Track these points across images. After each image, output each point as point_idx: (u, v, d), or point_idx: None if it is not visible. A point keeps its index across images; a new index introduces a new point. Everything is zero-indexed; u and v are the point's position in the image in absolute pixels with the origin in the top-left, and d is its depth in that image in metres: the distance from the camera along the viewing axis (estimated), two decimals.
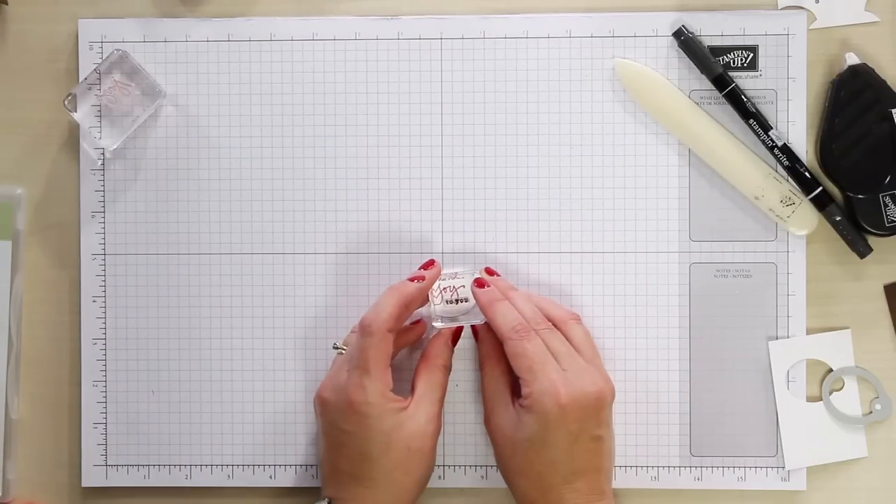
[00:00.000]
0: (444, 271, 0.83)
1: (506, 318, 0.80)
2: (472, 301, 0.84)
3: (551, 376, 0.77)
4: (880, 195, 0.83)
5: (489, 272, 0.84)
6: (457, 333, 0.84)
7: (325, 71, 0.86)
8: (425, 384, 0.81)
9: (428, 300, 0.82)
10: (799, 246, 0.85)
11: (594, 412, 0.78)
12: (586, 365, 0.79)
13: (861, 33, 0.85)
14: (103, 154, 0.86)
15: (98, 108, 0.86)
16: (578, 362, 0.79)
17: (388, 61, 0.86)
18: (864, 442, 0.85)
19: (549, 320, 0.81)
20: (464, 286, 0.84)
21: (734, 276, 0.85)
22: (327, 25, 0.86)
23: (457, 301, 0.85)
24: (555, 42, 0.85)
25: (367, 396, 0.78)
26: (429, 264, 0.84)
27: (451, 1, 0.86)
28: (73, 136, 0.87)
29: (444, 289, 0.82)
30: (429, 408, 0.80)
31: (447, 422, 0.86)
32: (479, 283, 0.82)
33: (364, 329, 0.79)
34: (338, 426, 0.79)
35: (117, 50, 0.85)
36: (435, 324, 0.83)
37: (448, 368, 0.83)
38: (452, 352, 0.83)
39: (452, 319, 0.83)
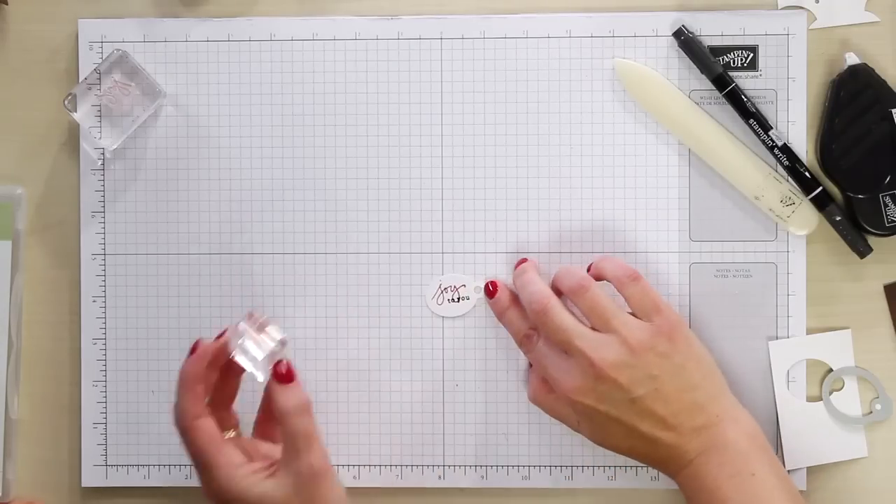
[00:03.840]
0: (244, 323, 0.78)
1: (511, 328, 0.83)
2: (473, 299, 0.84)
3: (562, 369, 0.79)
4: (880, 195, 0.83)
5: (493, 285, 0.84)
6: (285, 372, 0.76)
7: (325, 71, 0.86)
8: (285, 439, 0.76)
9: (228, 352, 0.77)
10: (799, 246, 0.85)
11: (636, 366, 0.77)
12: (623, 319, 0.79)
13: (861, 33, 0.85)
14: (103, 154, 0.86)
15: (98, 108, 0.86)
16: (614, 322, 0.78)
17: (388, 61, 0.86)
18: (864, 442, 0.85)
19: (607, 281, 0.81)
20: (464, 286, 0.85)
21: (734, 276, 0.85)
22: (327, 25, 0.86)
23: (458, 300, 0.85)
24: (555, 42, 0.85)
25: (229, 483, 0.75)
26: (221, 334, 0.79)
27: (451, 1, 0.86)
28: (73, 136, 0.87)
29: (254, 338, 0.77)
30: (300, 460, 0.75)
31: (447, 422, 0.86)
32: (489, 292, 0.83)
33: (180, 432, 0.77)
34: None
35: (117, 50, 0.85)
36: (259, 378, 0.77)
37: (301, 408, 0.75)
38: (295, 386, 0.76)
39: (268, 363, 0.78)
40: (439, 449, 0.86)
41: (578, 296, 0.80)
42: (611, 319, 0.79)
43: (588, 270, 0.82)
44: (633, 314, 0.80)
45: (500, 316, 0.84)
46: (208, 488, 0.77)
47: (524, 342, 0.82)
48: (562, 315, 0.79)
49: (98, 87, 0.85)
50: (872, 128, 0.83)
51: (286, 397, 0.75)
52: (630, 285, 0.80)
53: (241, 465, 0.76)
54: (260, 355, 0.77)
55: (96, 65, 0.85)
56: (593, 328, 0.79)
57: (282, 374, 0.76)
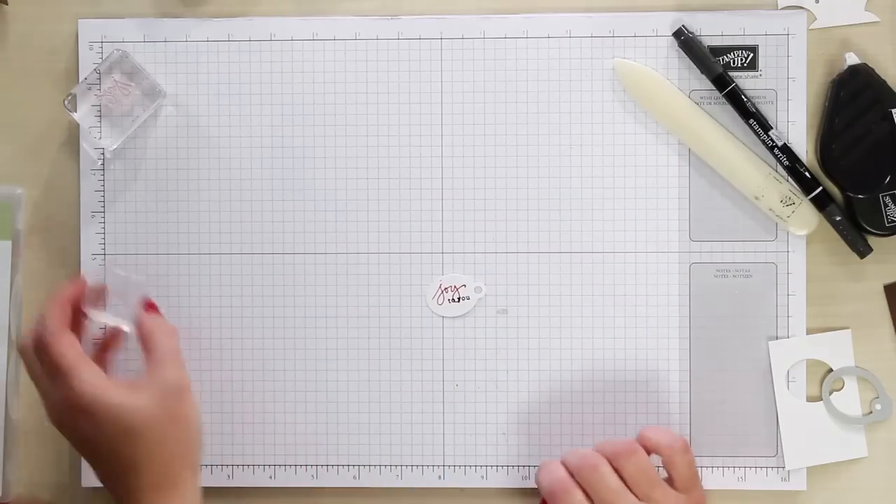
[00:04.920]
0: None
1: (552, 477, 0.80)
2: (473, 299, 0.84)
3: None
4: (880, 195, 0.83)
5: (150, 307, 0.82)
6: (149, 304, 0.82)
7: (325, 71, 0.86)
8: (149, 354, 0.79)
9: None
10: (799, 246, 0.85)
11: None
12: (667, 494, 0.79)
13: (861, 33, 0.85)
14: (103, 154, 0.86)
15: (98, 108, 0.86)
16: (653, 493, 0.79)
17: (388, 61, 0.86)
18: (864, 442, 0.85)
19: (651, 450, 0.80)
20: (465, 286, 0.85)
21: (734, 276, 0.85)
22: (327, 25, 0.86)
23: (458, 300, 0.85)
24: (555, 42, 0.85)
25: (93, 390, 0.75)
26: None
27: (451, 1, 0.86)
28: (73, 136, 0.87)
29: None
30: (164, 372, 0.77)
31: (447, 422, 0.86)
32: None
33: (40, 344, 0.77)
34: (81, 438, 0.77)
35: (117, 50, 0.85)
36: (126, 329, 0.81)
37: (166, 330, 0.80)
38: (159, 316, 0.81)
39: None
40: (439, 449, 0.86)
41: (626, 458, 0.79)
42: (655, 488, 0.79)
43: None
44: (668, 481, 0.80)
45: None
46: (64, 400, 0.76)
47: (563, 495, 0.79)
48: (612, 476, 0.79)
49: (98, 87, 0.85)
50: (872, 128, 0.83)
51: (154, 320, 0.81)
52: (680, 455, 0.80)
53: (104, 377, 0.77)
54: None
55: (96, 65, 0.85)
56: (633, 493, 0.79)
57: (150, 305, 0.82)
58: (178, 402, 0.77)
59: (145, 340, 0.80)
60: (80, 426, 0.76)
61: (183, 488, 0.77)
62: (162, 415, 0.76)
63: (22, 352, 0.79)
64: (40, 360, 0.77)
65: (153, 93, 0.85)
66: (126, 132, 0.85)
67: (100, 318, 0.81)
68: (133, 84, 0.85)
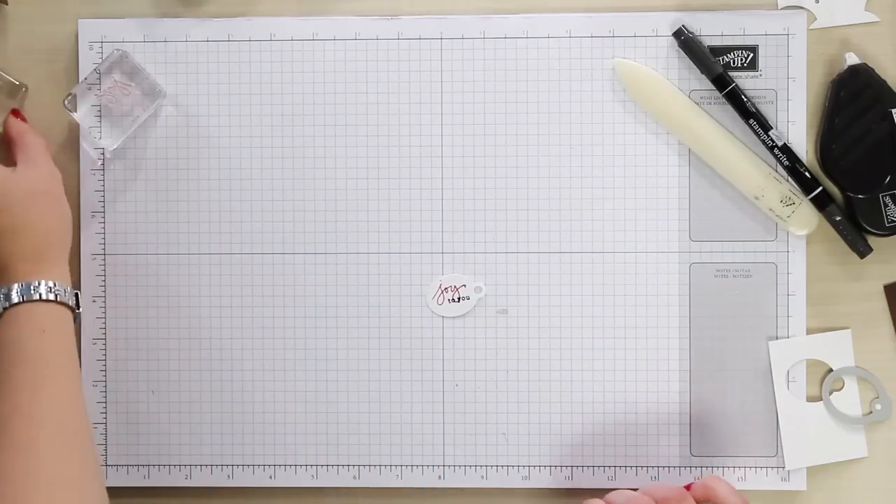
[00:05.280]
0: None
1: None
2: (473, 299, 0.84)
3: None
4: (880, 195, 0.83)
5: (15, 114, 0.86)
6: (16, 112, 0.85)
7: (325, 71, 0.86)
8: (23, 149, 0.83)
9: None
10: (799, 246, 0.85)
11: None
12: None
13: (861, 33, 0.85)
14: (103, 154, 0.86)
15: (98, 108, 0.86)
16: None
17: (388, 61, 0.86)
18: (864, 442, 0.85)
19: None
20: (465, 286, 0.85)
21: (734, 276, 0.85)
22: (327, 25, 0.86)
23: (458, 300, 0.85)
24: (555, 42, 0.85)
25: None
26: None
27: (451, 1, 0.86)
28: (73, 136, 0.87)
29: None
30: (37, 159, 0.83)
31: (447, 422, 0.86)
32: None
33: None
34: None
35: (117, 50, 0.85)
36: None
37: (33, 132, 0.85)
38: (26, 123, 0.85)
39: None
40: (439, 449, 0.86)
41: (679, 502, 0.78)
42: None
43: (689, 487, 0.80)
44: None
45: None
46: None
47: None
48: None
49: (98, 87, 0.85)
50: (872, 128, 0.83)
51: (21, 125, 0.85)
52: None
53: None
54: None
55: (96, 65, 0.85)
56: None
57: (15, 112, 0.85)
58: (49, 182, 0.82)
59: (16, 142, 0.84)
60: None
61: (52, 263, 0.80)
62: (36, 187, 0.81)
63: None
64: None
65: (153, 93, 0.85)
66: (126, 132, 0.85)
67: None
68: (133, 84, 0.85)
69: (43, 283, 0.79)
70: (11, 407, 0.75)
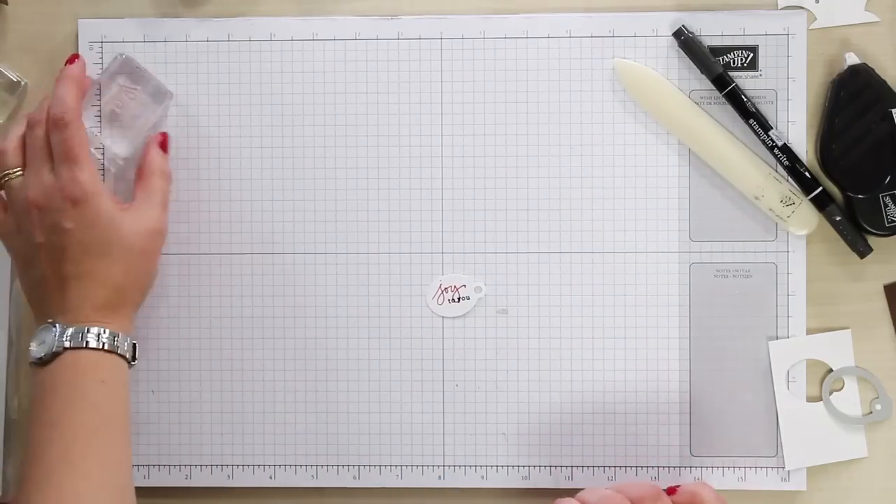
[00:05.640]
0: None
1: None
2: (473, 299, 0.84)
3: None
4: (880, 195, 0.83)
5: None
6: (164, 140, 0.84)
7: (325, 71, 0.86)
8: (144, 191, 0.82)
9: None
10: (799, 246, 0.85)
11: None
12: None
13: (861, 33, 0.85)
14: (103, 154, 0.86)
15: (98, 108, 0.85)
16: None
17: (388, 61, 0.86)
18: (864, 442, 0.85)
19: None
20: (465, 286, 0.85)
21: (734, 276, 0.85)
22: (327, 25, 0.86)
23: (458, 300, 0.85)
24: (555, 42, 0.85)
25: (84, 187, 0.77)
26: (73, 58, 0.83)
27: (451, 1, 0.86)
28: None
29: None
30: (151, 210, 0.81)
31: (447, 422, 0.86)
32: None
33: (58, 123, 0.78)
34: (59, 227, 0.77)
35: (121, 55, 0.84)
36: (122, 155, 0.84)
37: (166, 175, 0.83)
38: (167, 158, 0.84)
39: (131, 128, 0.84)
40: (439, 449, 0.86)
41: (653, 501, 0.77)
42: None
43: (670, 491, 0.79)
44: None
45: None
46: (58, 186, 0.77)
47: None
48: None
49: (98, 94, 0.84)
50: (872, 128, 0.83)
51: (161, 159, 0.83)
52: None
53: (100, 180, 0.80)
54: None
55: (98, 75, 0.85)
56: None
57: (162, 143, 0.84)
58: (153, 240, 0.81)
59: (145, 175, 0.82)
60: (62, 216, 0.77)
61: (122, 315, 0.79)
62: (136, 242, 0.79)
63: (30, 123, 0.80)
64: (51, 137, 0.79)
65: (159, 94, 0.84)
66: (139, 138, 0.84)
67: (100, 138, 0.83)
68: (139, 87, 0.84)
69: (108, 331, 0.77)
70: (60, 455, 0.73)
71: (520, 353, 0.85)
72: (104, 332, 0.77)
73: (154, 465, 0.86)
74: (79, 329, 0.76)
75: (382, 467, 0.86)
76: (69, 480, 0.72)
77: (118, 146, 0.84)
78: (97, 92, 0.84)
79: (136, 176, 0.83)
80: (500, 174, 0.86)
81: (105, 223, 0.78)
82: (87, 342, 0.76)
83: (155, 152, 0.83)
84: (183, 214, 0.86)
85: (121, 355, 0.78)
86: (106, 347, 0.77)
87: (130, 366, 0.79)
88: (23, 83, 0.86)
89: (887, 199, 0.83)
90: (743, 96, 0.84)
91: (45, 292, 0.79)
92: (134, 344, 0.79)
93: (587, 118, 0.85)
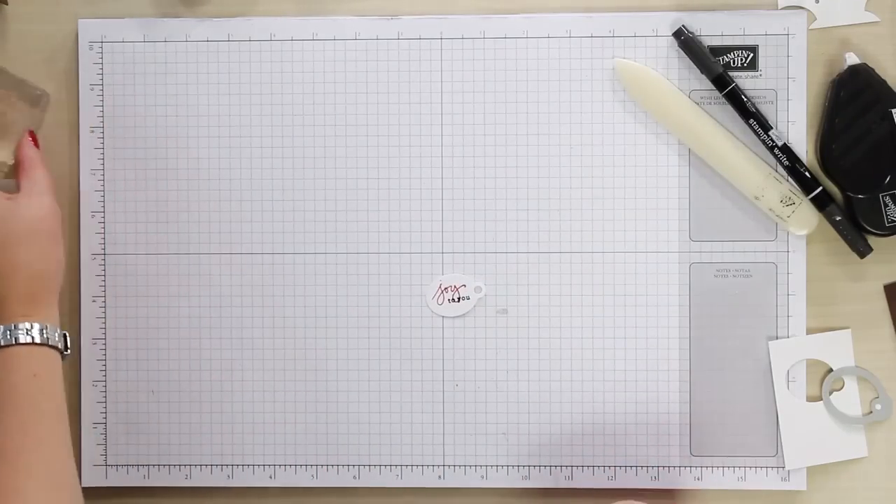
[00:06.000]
0: None
1: None
2: (473, 299, 0.84)
3: None
4: (880, 195, 0.83)
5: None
6: (33, 136, 0.83)
7: (325, 71, 0.86)
8: (29, 180, 0.81)
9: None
10: (799, 246, 0.85)
11: None
12: None
13: (861, 33, 0.85)
14: (103, 154, 0.86)
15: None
16: None
17: (388, 61, 0.86)
18: (864, 442, 0.85)
19: None
20: (465, 286, 0.85)
21: (734, 276, 0.85)
22: (327, 25, 0.86)
23: (458, 300, 0.85)
24: (555, 42, 0.85)
25: None
26: None
27: (451, 1, 0.86)
28: (72, 136, 0.87)
29: None
30: (41, 196, 0.80)
31: (447, 422, 0.86)
32: None
33: None
34: None
35: None
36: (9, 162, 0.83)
37: (44, 165, 0.82)
38: (40, 151, 0.83)
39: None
40: (439, 449, 0.86)
41: None
42: None
43: None
44: None
45: None
46: None
47: None
48: None
49: None
50: (872, 128, 0.83)
51: (36, 152, 0.82)
52: None
53: None
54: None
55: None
56: None
57: (33, 137, 0.83)
58: (54, 220, 0.80)
59: (26, 168, 0.81)
60: None
61: (45, 305, 0.78)
62: (40, 226, 0.79)
63: None
64: None
65: (34, 97, 0.83)
66: (14, 143, 0.83)
67: None
68: (14, 93, 0.83)
69: (37, 325, 0.77)
70: None
71: (520, 353, 0.85)
72: (33, 326, 0.77)
73: (154, 465, 0.86)
74: (7, 326, 0.77)
75: (382, 467, 0.86)
76: (10, 477, 0.73)
77: (2, 153, 0.83)
78: None
79: (17, 170, 0.82)
80: (500, 174, 0.86)
81: (2, 216, 0.78)
82: (16, 338, 0.76)
83: (28, 147, 0.82)
84: (183, 214, 0.86)
85: (52, 346, 0.78)
86: (37, 341, 0.77)
87: (63, 357, 0.79)
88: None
89: (887, 199, 0.83)
90: (743, 96, 0.84)
91: None
92: (65, 334, 0.79)
93: (587, 118, 0.85)
